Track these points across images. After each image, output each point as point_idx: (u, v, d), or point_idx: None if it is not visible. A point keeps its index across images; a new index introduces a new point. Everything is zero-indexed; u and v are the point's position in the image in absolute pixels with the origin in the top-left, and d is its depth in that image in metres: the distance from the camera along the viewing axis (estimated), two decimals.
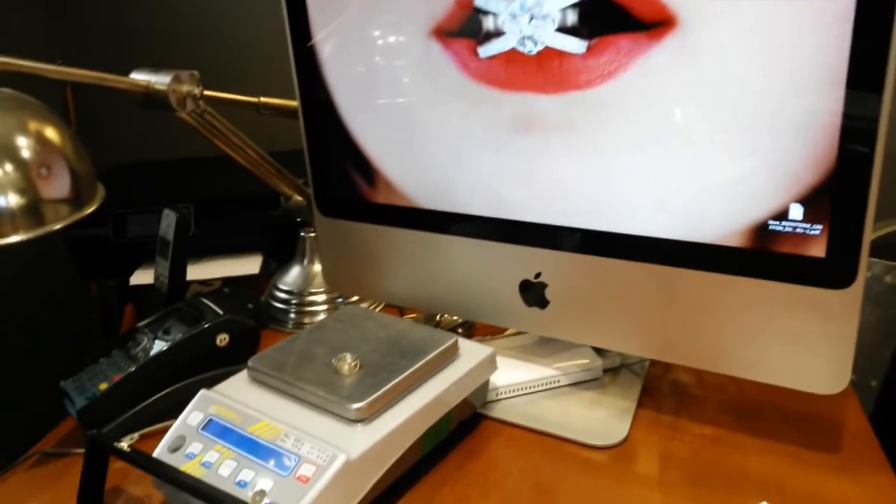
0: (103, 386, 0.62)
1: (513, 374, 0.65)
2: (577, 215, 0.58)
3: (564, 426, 0.60)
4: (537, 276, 0.62)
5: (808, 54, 0.46)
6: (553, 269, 0.61)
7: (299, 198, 0.81)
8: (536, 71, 0.55)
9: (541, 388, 0.65)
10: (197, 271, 0.93)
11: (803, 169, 0.48)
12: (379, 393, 0.52)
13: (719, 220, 0.53)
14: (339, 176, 0.69)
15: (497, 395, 0.64)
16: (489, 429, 0.61)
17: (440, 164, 0.63)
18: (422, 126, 0.62)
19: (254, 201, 0.96)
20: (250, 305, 0.75)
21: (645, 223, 0.56)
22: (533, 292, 0.63)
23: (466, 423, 0.60)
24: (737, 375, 0.56)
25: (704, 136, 0.51)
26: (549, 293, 0.62)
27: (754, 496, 0.51)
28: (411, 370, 0.54)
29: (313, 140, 0.69)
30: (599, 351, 0.67)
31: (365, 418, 0.51)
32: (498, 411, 0.63)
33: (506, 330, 0.73)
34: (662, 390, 0.65)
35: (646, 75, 0.51)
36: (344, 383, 0.53)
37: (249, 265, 0.96)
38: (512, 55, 0.55)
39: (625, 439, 0.59)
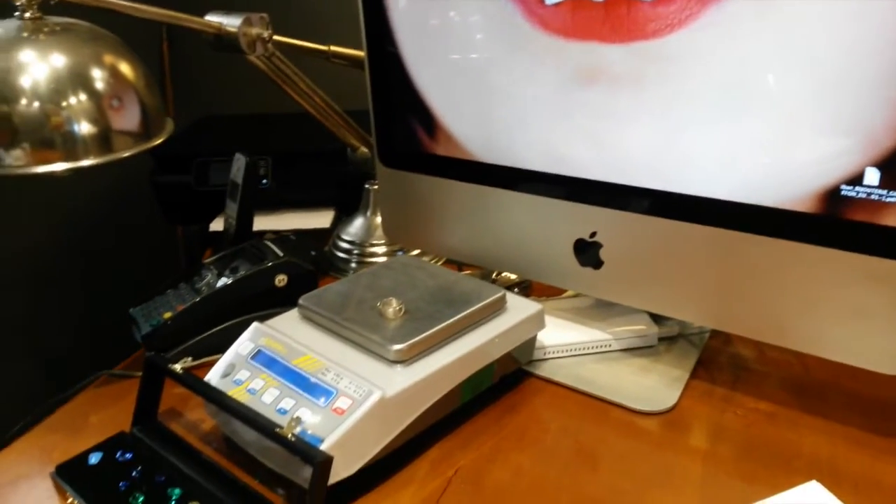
0: (167, 315, 0.65)
1: (563, 334, 0.64)
2: (638, 173, 0.56)
3: (611, 389, 0.59)
4: (592, 235, 0.60)
5: None
6: (609, 229, 0.59)
7: (365, 150, 0.82)
8: (603, 19, 0.53)
9: (591, 350, 0.64)
10: (271, 222, 0.96)
11: (883, 131, 0.45)
12: (420, 337, 0.52)
13: (788, 183, 0.50)
14: (401, 127, 0.69)
15: (545, 354, 0.63)
16: (533, 386, 0.61)
17: (500, 118, 0.62)
18: (484, 78, 0.61)
19: (329, 157, 0.98)
20: (313, 252, 0.77)
21: (709, 184, 0.53)
22: (587, 252, 0.61)
23: (510, 378, 0.60)
24: (798, 349, 0.53)
25: (779, 93, 0.48)
26: (603, 254, 0.60)
27: (804, 475, 0.48)
28: (455, 319, 0.54)
29: (378, 90, 0.70)
30: (657, 319, 0.65)
31: (404, 360, 0.51)
32: (544, 370, 0.62)
33: (564, 293, 0.72)
34: (720, 363, 0.62)
35: (719, 25, 0.49)
36: (387, 326, 0.53)
37: (321, 219, 0.98)
38: (578, 1, 0.54)
39: (673, 407, 0.57)
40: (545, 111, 0.59)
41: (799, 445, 0.52)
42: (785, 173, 0.49)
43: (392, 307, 0.55)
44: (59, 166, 0.50)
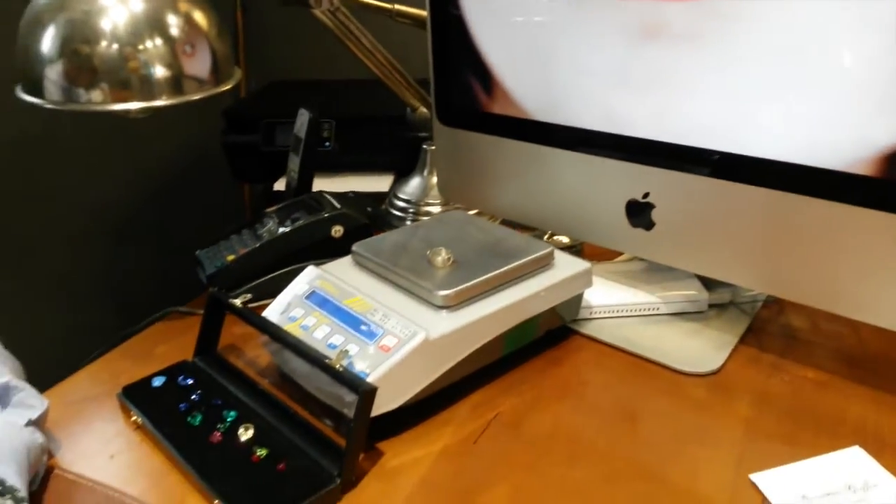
0: (230, 257, 0.68)
1: (611, 294, 0.64)
2: (695, 133, 0.56)
3: (656, 350, 0.59)
4: (645, 195, 0.60)
5: None
6: (662, 190, 0.59)
7: (424, 110, 0.83)
8: None
9: (638, 312, 0.64)
10: (332, 184, 0.99)
11: None
12: (466, 285, 0.53)
13: (849, 145, 0.48)
14: (459, 86, 0.70)
15: (591, 313, 0.64)
16: (577, 343, 0.61)
17: (558, 76, 0.62)
18: (544, 36, 0.62)
19: (389, 123, 0.99)
20: (369, 209, 0.79)
21: (767, 144, 0.52)
22: (639, 213, 0.61)
23: (554, 333, 0.61)
24: (851, 317, 0.51)
25: (844, 50, 0.47)
26: (655, 215, 0.60)
27: (847, 441, 0.48)
28: (501, 270, 0.55)
29: (438, 49, 0.70)
30: (708, 286, 0.64)
31: (450, 306, 0.52)
32: (589, 328, 0.62)
33: (615, 258, 0.72)
34: (771, 332, 0.62)
35: None
36: (435, 273, 0.55)
37: (380, 183, 1.00)
38: None
39: (717, 370, 0.56)
40: (603, 69, 0.59)
41: (845, 412, 0.51)
42: (844, 135, 0.48)
43: (441, 256, 0.56)
44: (134, 105, 0.54)
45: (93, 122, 1.10)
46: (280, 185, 0.99)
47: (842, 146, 0.49)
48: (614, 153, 0.61)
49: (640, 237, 0.62)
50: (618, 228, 0.63)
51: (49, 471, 0.47)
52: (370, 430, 0.47)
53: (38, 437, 0.45)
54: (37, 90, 0.55)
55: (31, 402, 0.47)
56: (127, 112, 0.55)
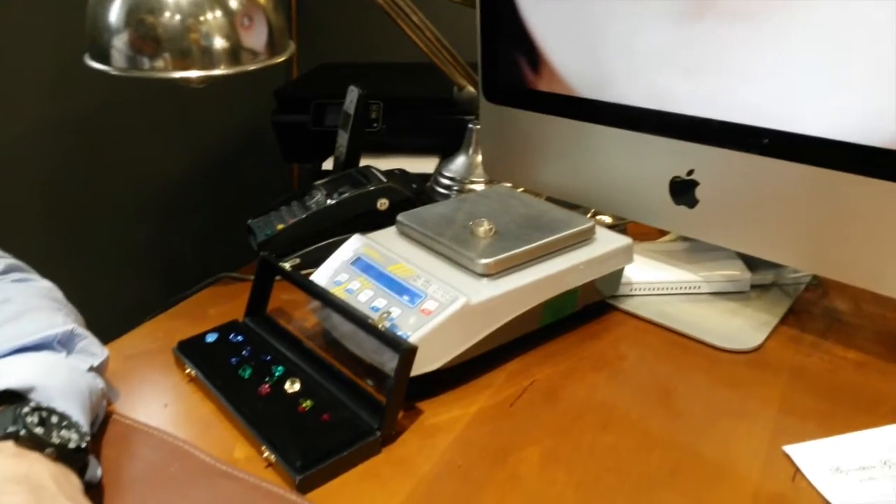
0: (280, 226, 0.71)
1: (652, 272, 0.65)
2: (741, 110, 0.55)
3: (694, 326, 0.59)
4: (690, 173, 0.60)
5: None
6: (707, 167, 0.59)
7: (471, 89, 0.84)
8: None
9: (679, 291, 0.64)
10: (378, 165, 1.01)
11: None
12: (507, 254, 0.54)
13: None
14: (506, 63, 0.71)
15: (631, 290, 0.64)
16: (616, 318, 0.62)
17: (606, 53, 0.63)
18: (593, 12, 0.62)
19: (436, 105, 1.01)
20: (414, 185, 0.81)
21: (815, 122, 0.52)
22: (683, 191, 0.61)
23: (593, 308, 0.62)
24: (895, 296, 0.51)
25: (892, 28, 0.46)
26: (699, 192, 0.60)
27: (885, 420, 0.47)
28: (542, 242, 0.56)
29: (487, 26, 0.71)
30: (751, 267, 0.64)
31: (491, 274, 0.54)
32: (629, 304, 0.63)
33: (658, 238, 0.72)
34: (813, 313, 0.61)
35: None
36: (477, 243, 0.56)
37: (426, 164, 1.02)
38: None
39: (757, 348, 0.57)
40: (652, 47, 0.59)
41: (885, 393, 0.51)
42: (893, 112, 0.48)
43: (483, 227, 0.58)
44: (194, 74, 0.56)
45: (151, 100, 1.15)
46: (328, 165, 1.02)
47: (890, 125, 0.48)
48: (660, 131, 0.61)
49: (683, 214, 0.62)
50: (661, 206, 0.63)
51: (107, 416, 0.50)
52: (410, 390, 0.48)
53: (99, 383, 0.48)
54: (104, 58, 0.58)
55: (93, 349, 0.50)
56: (187, 80, 0.57)
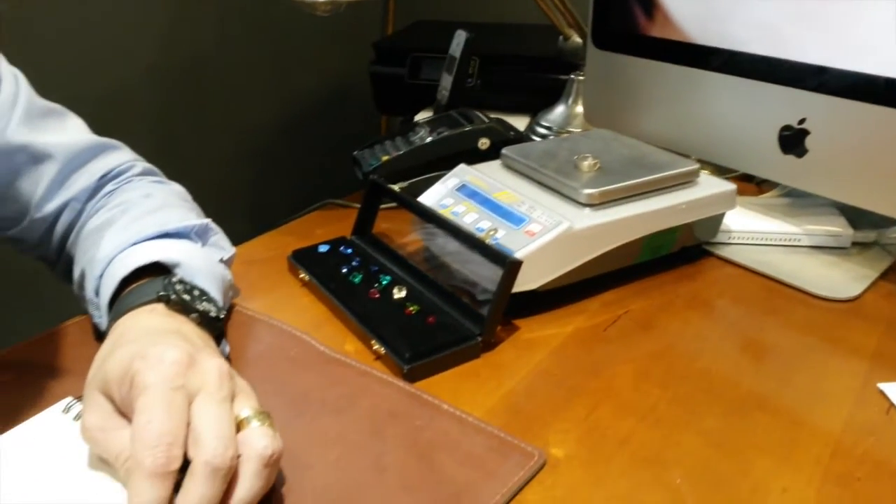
0: (385, 157, 0.74)
1: (752, 222, 0.65)
2: (860, 56, 0.55)
3: (791, 274, 0.59)
4: (801, 121, 0.60)
5: None
6: (820, 116, 0.59)
7: (577, 39, 0.85)
8: None
9: (778, 242, 0.64)
10: None
11: None
12: (611, 187, 0.56)
13: None
14: (618, 7, 0.71)
15: (729, 238, 0.65)
16: (712, 263, 0.63)
17: None
18: None
19: (532, 64, 1.02)
20: (512, 133, 0.83)
21: None
22: (792, 139, 0.61)
23: (691, 251, 0.62)
24: None
25: None
26: (809, 141, 0.60)
27: None
28: (646, 179, 0.57)
29: None
30: (854, 224, 0.64)
31: (594, 204, 0.55)
32: (727, 252, 0.63)
33: (762, 194, 0.72)
34: None
35: None
36: (581, 176, 0.58)
37: (518, 122, 1.03)
38: None
39: (854, 298, 0.56)
40: None
41: None
42: None
43: (588, 161, 0.59)
44: None
45: (255, 48, 1.22)
46: (421, 117, 1.05)
47: None
48: (773, 77, 0.61)
49: (791, 164, 0.62)
50: (768, 155, 0.63)
51: (231, 307, 0.55)
52: (508, 307, 0.51)
53: (228, 274, 0.53)
54: None
55: (223, 244, 0.54)
56: (313, 7, 0.61)
